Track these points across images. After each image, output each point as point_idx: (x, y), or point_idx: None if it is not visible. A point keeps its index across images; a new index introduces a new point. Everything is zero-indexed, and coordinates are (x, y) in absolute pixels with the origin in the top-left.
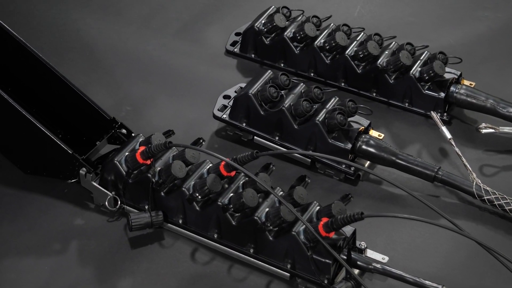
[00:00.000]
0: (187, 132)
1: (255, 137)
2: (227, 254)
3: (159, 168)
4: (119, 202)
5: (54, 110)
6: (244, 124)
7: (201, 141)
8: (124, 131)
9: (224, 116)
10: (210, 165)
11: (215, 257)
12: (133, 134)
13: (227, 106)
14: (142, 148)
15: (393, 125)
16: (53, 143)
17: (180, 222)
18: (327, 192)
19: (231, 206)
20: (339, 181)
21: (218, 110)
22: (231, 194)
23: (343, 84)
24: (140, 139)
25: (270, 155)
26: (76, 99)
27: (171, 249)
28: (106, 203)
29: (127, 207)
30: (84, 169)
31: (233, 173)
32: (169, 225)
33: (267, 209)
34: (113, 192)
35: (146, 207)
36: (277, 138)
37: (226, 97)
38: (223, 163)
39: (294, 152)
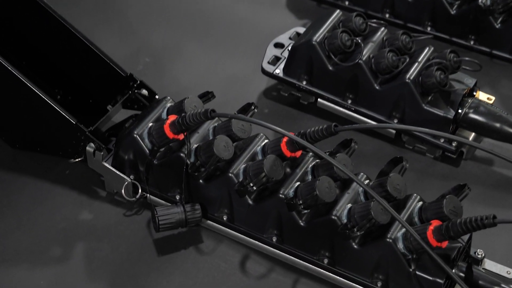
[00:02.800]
0: (226, 92)
1: (319, 99)
2: (291, 264)
3: (195, 145)
4: (140, 190)
5: (51, 63)
6: (304, 82)
7: (253, 107)
8: (144, 92)
9: (277, 71)
10: (266, 141)
11: (274, 268)
12: (157, 97)
13: (280, 58)
14: (173, 117)
15: (500, 84)
16: (50, 109)
17: (225, 219)
18: (420, 176)
19: (300, 200)
20: (434, 160)
21: (268, 63)
22: (297, 183)
23: (429, 28)
24: (168, 104)
25: (354, 129)
26: (80, 49)
27: (213, 256)
28: (123, 190)
29: (152, 197)
30: (92, 144)
31: (298, 153)
32: (210, 222)
33: (348, 205)
34: (131, 176)
35: (178, 197)
36: (349, 101)
37: (278, 45)
38: (285, 139)
39: (387, 127)
